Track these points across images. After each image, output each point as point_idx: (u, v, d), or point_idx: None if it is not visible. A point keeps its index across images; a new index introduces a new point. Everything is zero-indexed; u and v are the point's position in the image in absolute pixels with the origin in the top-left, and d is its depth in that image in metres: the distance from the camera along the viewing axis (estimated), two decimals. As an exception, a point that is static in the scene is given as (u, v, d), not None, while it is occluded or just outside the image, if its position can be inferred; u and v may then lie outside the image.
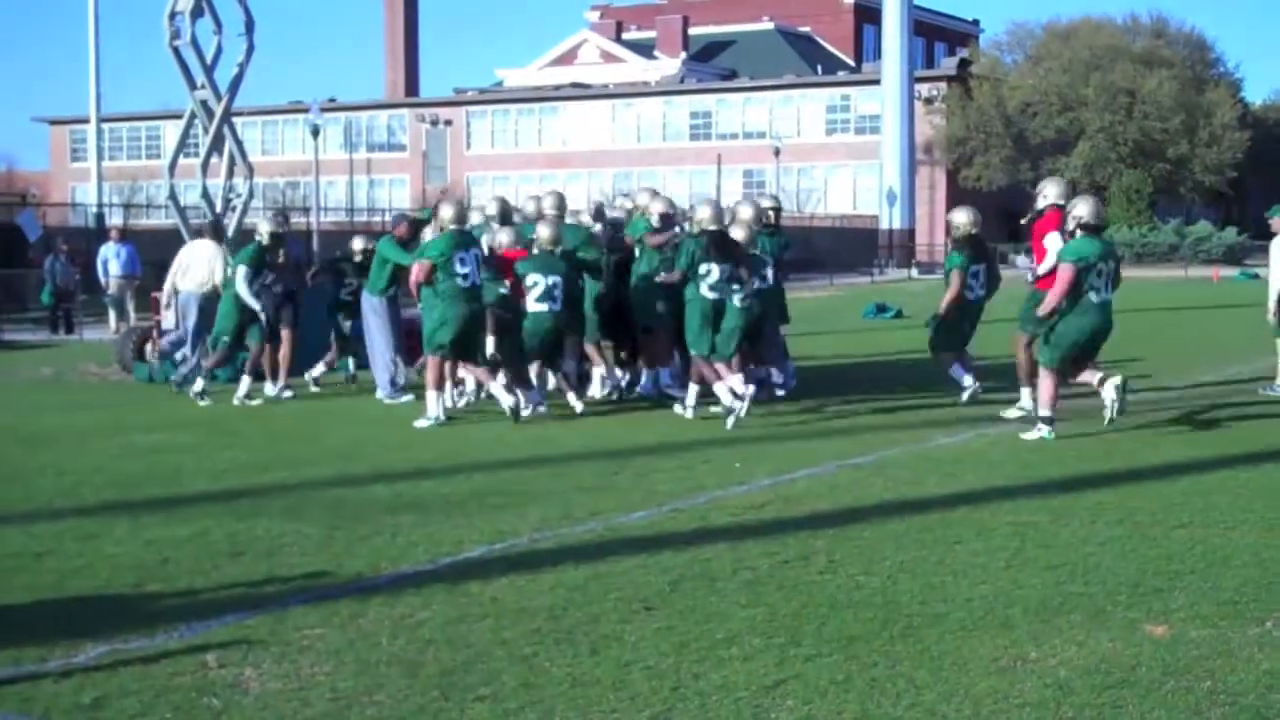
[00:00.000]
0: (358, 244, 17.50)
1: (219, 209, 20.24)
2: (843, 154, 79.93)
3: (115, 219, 42.86)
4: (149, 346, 19.84)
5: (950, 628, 6.74)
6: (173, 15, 20.22)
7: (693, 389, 14.29)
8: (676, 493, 10.24)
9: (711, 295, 14.06)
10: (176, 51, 20.35)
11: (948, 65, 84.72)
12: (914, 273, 62.89)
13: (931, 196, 75.52)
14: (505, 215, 15.94)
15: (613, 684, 5.97)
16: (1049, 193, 14.04)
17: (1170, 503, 9.74)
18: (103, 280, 28.98)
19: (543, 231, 14.80)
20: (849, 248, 65.19)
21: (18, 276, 35.20)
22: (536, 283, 14.47)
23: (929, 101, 76.61)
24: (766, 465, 11.44)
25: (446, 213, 14.48)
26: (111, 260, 28.76)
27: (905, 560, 8.10)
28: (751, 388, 13.74)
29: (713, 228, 14.31)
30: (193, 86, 20.39)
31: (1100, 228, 12.96)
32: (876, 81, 73.31)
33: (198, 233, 19.30)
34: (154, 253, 34.05)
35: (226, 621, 6.91)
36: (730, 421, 13.52)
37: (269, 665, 6.23)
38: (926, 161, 75.78)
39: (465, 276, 13.97)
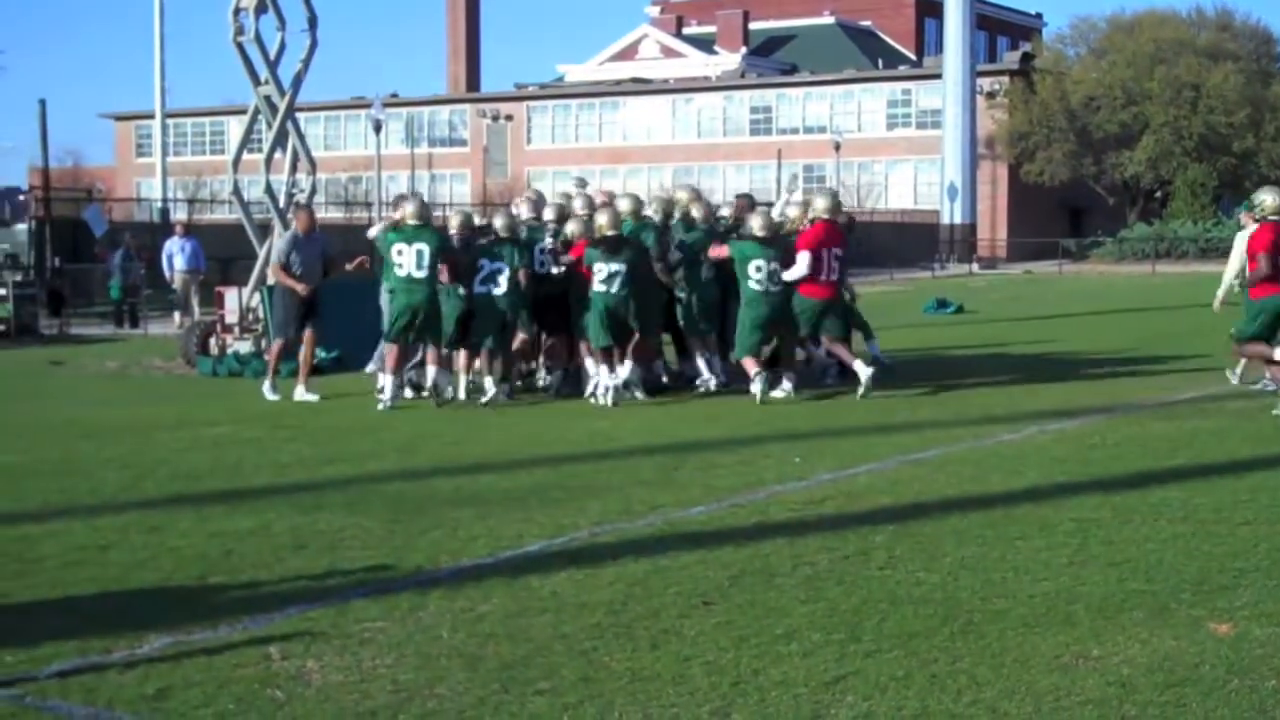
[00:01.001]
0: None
1: (282, 204, 20.35)
2: (904, 149, 79.50)
3: (180, 214, 43.22)
4: (212, 341, 19.99)
5: (1011, 624, 6.70)
6: (237, 11, 20.36)
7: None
8: (736, 487, 10.23)
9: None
10: (240, 47, 20.49)
11: (1010, 59, 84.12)
12: (975, 268, 62.56)
13: (993, 191, 75.03)
14: (562, 212, 16.11)
15: (672, 679, 5.97)
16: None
17: (1235, 499, 9.64)
18: (167, 275, 29.23)
19: (601, 218, 15.32)
20: (910, 243, 64.89)
21: (84, 271, 35.58)
22: (601, 269, 15.02)
23: (991, 96, 76.06)
24: (827, 460, 11.41)
25: (406, 209, 15.20)
26: (176, 255, 29.01)
27: (966, 556, 8.06)
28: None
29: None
30: (256, 82, 20.52)
31: None
32: (938, 76, 72.87)
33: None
34: (218, 248, 34.35)
35: (289, 614, 6.96)
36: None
37: (331, 657, 6.26)
38: (988, 156, 75.26)
39: (401, 266, 14.86)
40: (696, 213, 16.25)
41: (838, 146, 73.09)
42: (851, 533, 8.68)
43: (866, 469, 11.05)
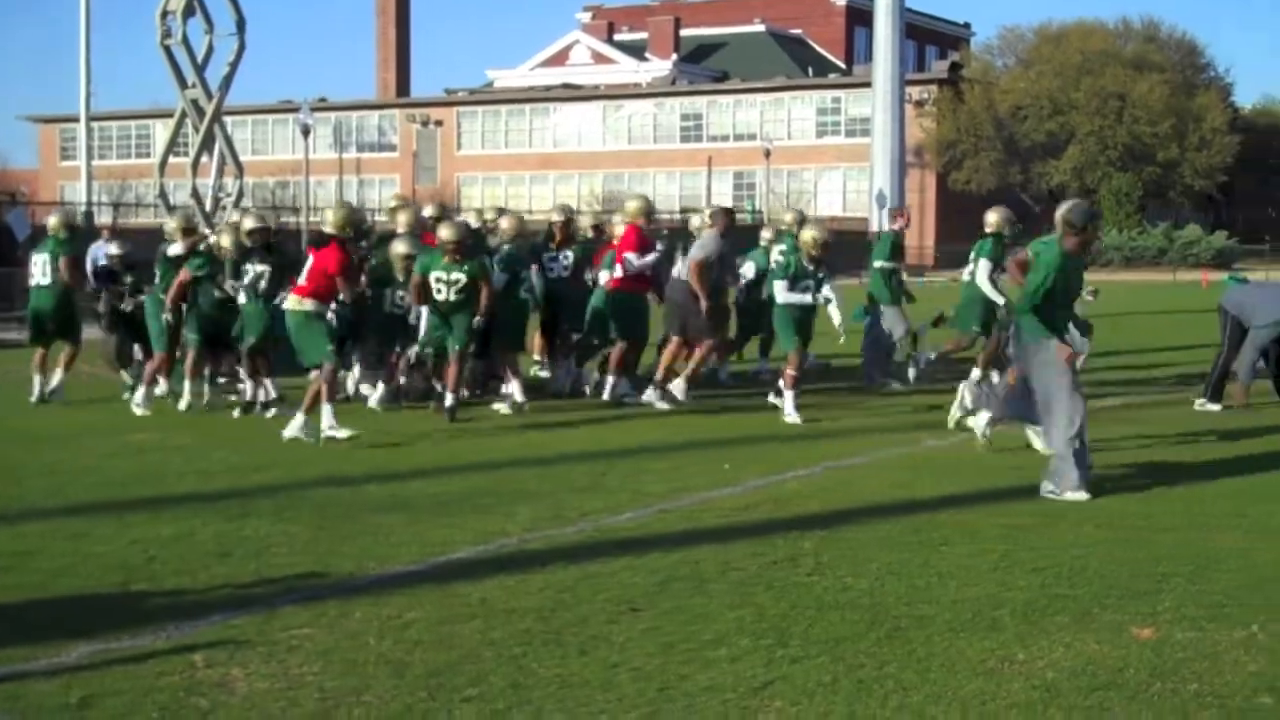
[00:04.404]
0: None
1: (209, 208, 20.21)
2: (833, 156, 79.98)
3: (104, 218, 42.74)
4: (137, 347, 19.76)
5: (938, 629, 6.75)
6: (164, 14, 20.23)
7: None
8: (665, 493, 10.24)
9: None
10: (168, 50, 20.36)
11: (939, 68, 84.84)
12: (903, 276, 62.82)
13: (921, 199, 75.54)
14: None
15: (600, 685, 5.97)
16: None
17: (1157, 506, 9.76)
18: (92, 279, 28.87)
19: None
20: (839, 250, 64.78)
21: (6, 275, 35.09)
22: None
23: (920, 104, 76.64)
24: (757, 466, 11.44)
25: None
26: (101, 258, 28.69)
27: (893, 562, 8.11)
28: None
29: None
30: (183, 85, 20.39)
31: None
32: (867, 84, 73.19)
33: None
34: (144, 252, 33.95)
35: (214, 621, 6.90)
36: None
37: (256, 665, 6.22)
38: (916, 164, 75.78)
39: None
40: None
41: (768, 154, 73.41)
42: (780, 538, 8.71)
43: (795, 475, 11.09)
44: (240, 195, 20.98)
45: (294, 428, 12.85)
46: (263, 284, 14.46)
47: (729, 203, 54.84)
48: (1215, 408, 14.82)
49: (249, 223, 14.86)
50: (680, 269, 15.52)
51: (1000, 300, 15.68)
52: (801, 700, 5.78)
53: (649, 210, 16.05)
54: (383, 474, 11.20)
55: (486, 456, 12.09)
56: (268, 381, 14.71)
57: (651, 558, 8.21)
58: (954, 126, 75.59)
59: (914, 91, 76.13)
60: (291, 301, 13.23)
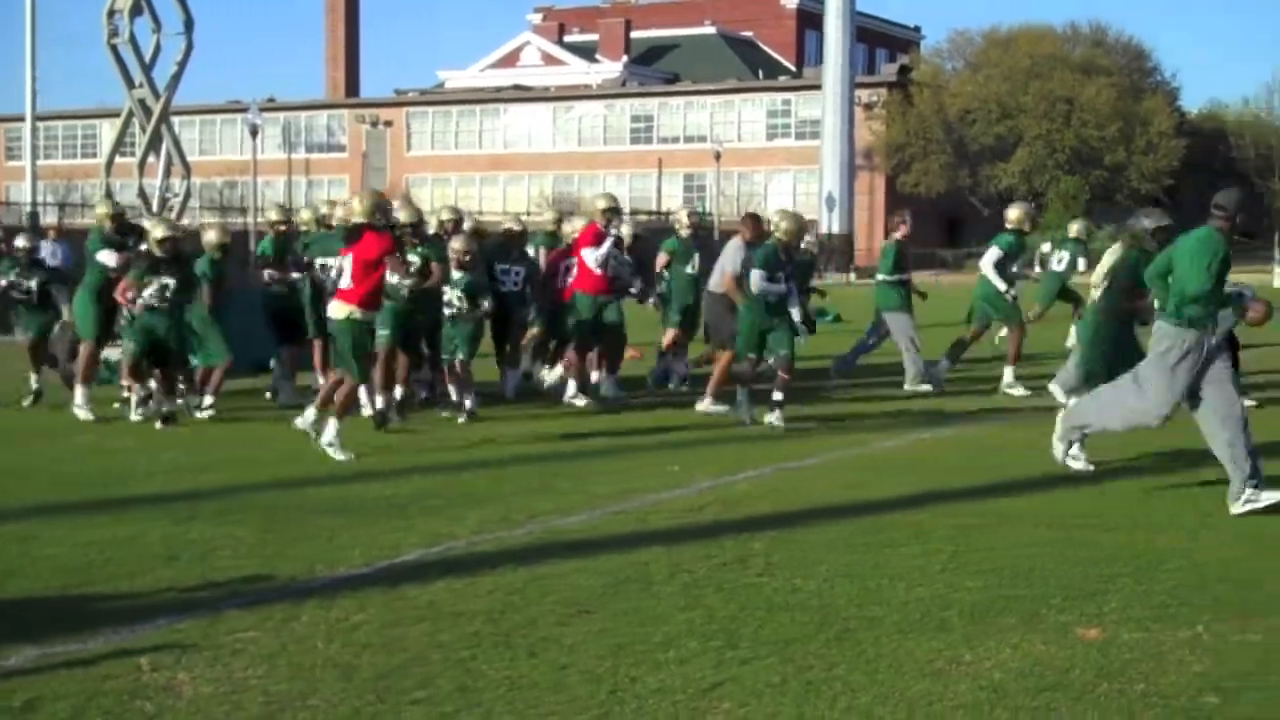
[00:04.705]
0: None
1: (155, 208, 20.08)
2: (783, 159, 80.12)
3: (50, 218, 42.41)
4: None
5: (886, 630, 6.77)
6: (111, 13, 20.10)
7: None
8: (615, 495, 10.24)
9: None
10: (115, 50, 20.23)
11: (888, 71, 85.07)
12: (853, 277, 63.09)
13: (871, 202, 75.82)
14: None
15: (550, 687, 5.96)
16: None
17: (1104, 507, 9.83)
18: (37, 280, 28.66)
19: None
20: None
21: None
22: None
23: (869, 107, 76.88)
24: (707, 468, 11.45)
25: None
26: (47, 259, 28.48)
27: (843, 563, 8.13)
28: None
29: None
30: (130, 85, 20.26)
31: None
32: (817, 87, 73.60)
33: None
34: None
35: (159, 625, 6.85)
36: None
37: (202, 669, 6.18)
38: (866, 167, 76.07)
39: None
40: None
41: (718, 156, 73.46)
42: (730, 540, 8.72)
43: (745, 476, 11.11)
44: (188, 196, 20.87)
45: (306, 422, 12.47)
46: (168, 295, 13.85)
47: (679, 204, 54.73)
48: None
49: (159, 231, 14.21)
50: (716, 281, 15.61)
51: (1003, 287, 16.19)
52: (750, 701, 5.79)
53: (617, 209, 16.32)
54: (331, 477, 11.15)
55: (435, 459, 12.05)
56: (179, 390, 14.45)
57: (601, 559, 8.20)
58: (903, 129, 75.85)
59: (864, 94, 76.45)
60: (338, 309, 12.43)
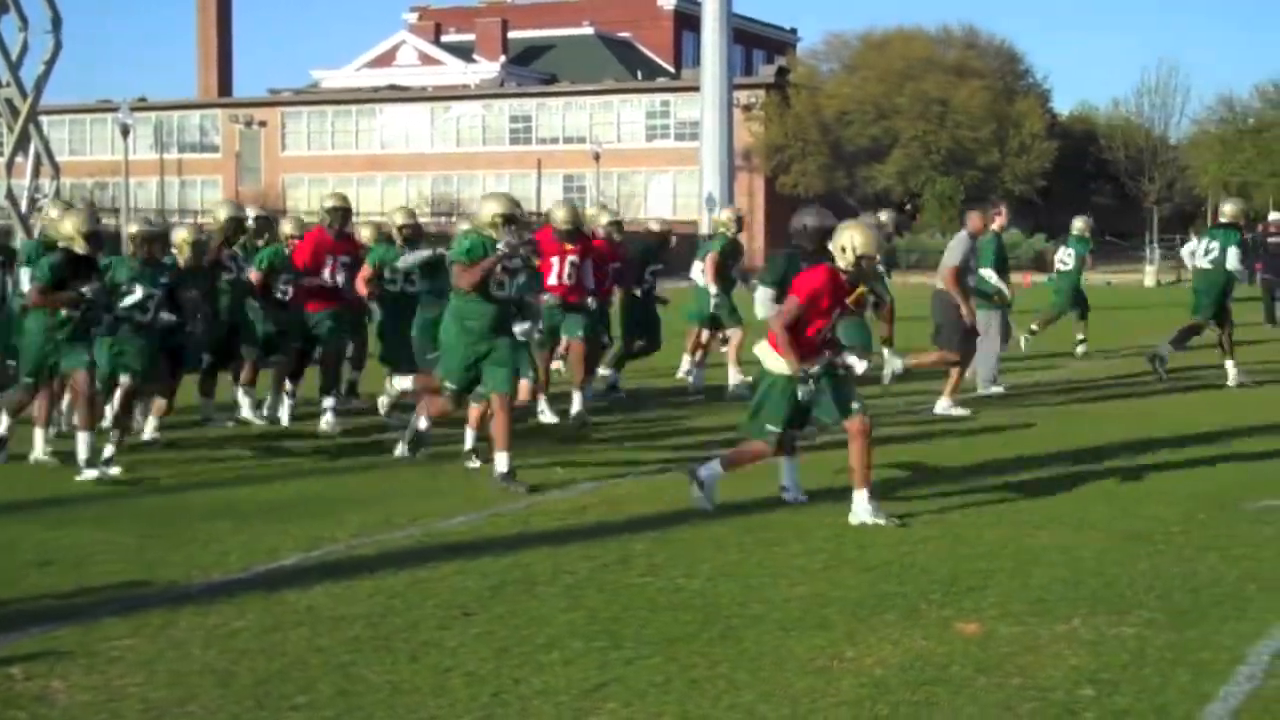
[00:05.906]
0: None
1: (24, 209, 19.71)
2: (663, 160, 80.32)
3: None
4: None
5: (769, 628, 6.80)
6: (-24, 10, 19.68)
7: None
8: (497, 497, 10.20)
9: None
10: (-20, 48, 19.79)
11: (766, 73, 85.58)
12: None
13: (750, 203, 76.24)
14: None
15: (432, 690, 5.92)
16: None
17: (983, 503, 9.95)
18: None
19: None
20: (670, 254, 65.36)
21: None
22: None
23: (748, 109, 77.32)
24: (589, 469, 11.45)
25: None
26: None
27: (725, 562, 8.16)
28: None
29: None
30: (-3, 84, 19.84)
31: None
32: (696, 88, 73.80)
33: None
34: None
35: (33, 633, 6.72)
36: None
37: (77, 677, 6.06)
38: (745, 168, 76.47)
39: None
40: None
41: (597, 157, 73.55)
42: (612, 541, 8.72)
43: (628, 478, 11.11)
44: (57, 197, 20.47)
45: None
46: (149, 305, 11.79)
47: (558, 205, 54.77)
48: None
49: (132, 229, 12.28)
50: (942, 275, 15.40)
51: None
52: (634, 701, 5.79)
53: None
54: (207, 480, 11.00)
55: (318, 463, 11.93)
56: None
57: (483, 562, 8.17)
58: (781, 131, 76.37)
59: (742, 95, 76.86)
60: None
